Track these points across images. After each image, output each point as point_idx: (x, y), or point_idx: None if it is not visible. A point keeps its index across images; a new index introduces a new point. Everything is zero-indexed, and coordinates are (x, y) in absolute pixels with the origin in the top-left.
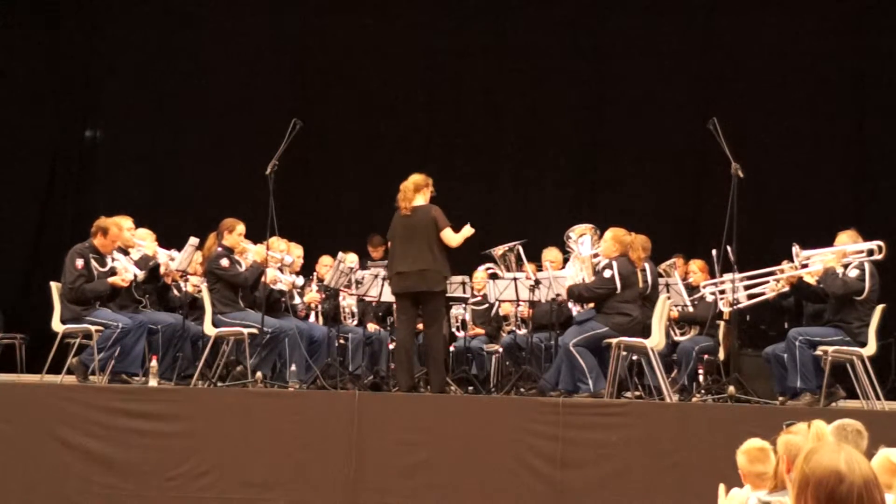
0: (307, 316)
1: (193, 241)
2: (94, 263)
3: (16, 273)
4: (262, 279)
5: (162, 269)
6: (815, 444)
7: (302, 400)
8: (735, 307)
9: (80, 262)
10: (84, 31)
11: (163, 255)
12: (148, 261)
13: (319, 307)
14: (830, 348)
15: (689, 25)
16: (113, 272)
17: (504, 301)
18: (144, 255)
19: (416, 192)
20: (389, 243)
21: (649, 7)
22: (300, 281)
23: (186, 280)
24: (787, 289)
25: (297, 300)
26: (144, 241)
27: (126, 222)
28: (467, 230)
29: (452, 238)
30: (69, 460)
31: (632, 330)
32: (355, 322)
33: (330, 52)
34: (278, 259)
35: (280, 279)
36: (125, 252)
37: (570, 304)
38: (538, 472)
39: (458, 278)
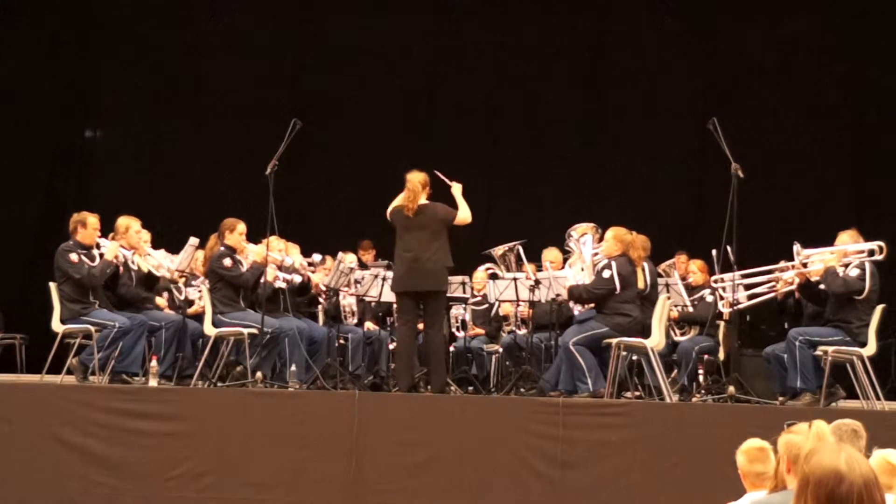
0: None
1: (193, 241)
2: (83, 258)
3: (16, 273)
4: (263, 279)
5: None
6: (815, 444)
7: (302, 400)
8: (735, 307)
9: (74, 257)
10: (83, 31)
11: (163, 260)
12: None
13: (320, 306)
14: (830, 348)
15: (690, 25)
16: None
17: (504, 301)
18: (156, 303)
19: (423, 189)
20: (389, 217)
21: (650, 7)
22: (297, 278)
23: (187, 280)
24: (792, 287)
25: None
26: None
27: (135, 224)
28: (457, 190)
29: (467, 214)
30: (69, 460)
31: (632, 330)
32: (355, 322)
33: (330, 52)
34: (279, 260)
35: (279, 276)
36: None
37: (571, 304)
38: (538, 472)
39: (458, 278)
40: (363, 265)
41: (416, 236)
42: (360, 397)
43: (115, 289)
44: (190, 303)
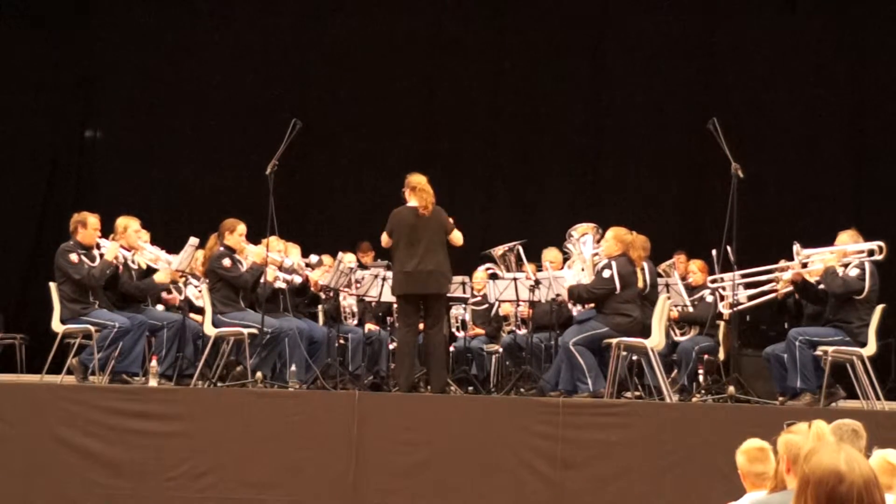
0: (309, 299)
1: (193, 241)
2: (83, 258)
3: (16, 273)
4: (263, 279)
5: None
6: (815, 444)
7: (302, 400)
8: (735, 308)
9: (74, 257)
10: (83, 30)
11: (163, 261)
12: (159, 287)
13: (321, 306)
14: (830, 348)
15: (690, 26)
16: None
17: (504, 301)
18: (155, 282)
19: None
20: (387, 238)
21: (650, 7)
22: (297, 279)
23: (187, 280)
24: (790, 288)
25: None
26: (151, 247)
27: (134, 223)
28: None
29: (458, 239)
30: (69, 460)
31: (632, 330)
32: (355, 322)
33: (330, 52)
34: (278, 261)
35: (279, 277)
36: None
37: (570, 305)
38: (538, 472)
39: (458, 278)
40: (362, 266)
41: (421, 237)
42: (360, 397)
43: (116, 288)
44: (192, 306)
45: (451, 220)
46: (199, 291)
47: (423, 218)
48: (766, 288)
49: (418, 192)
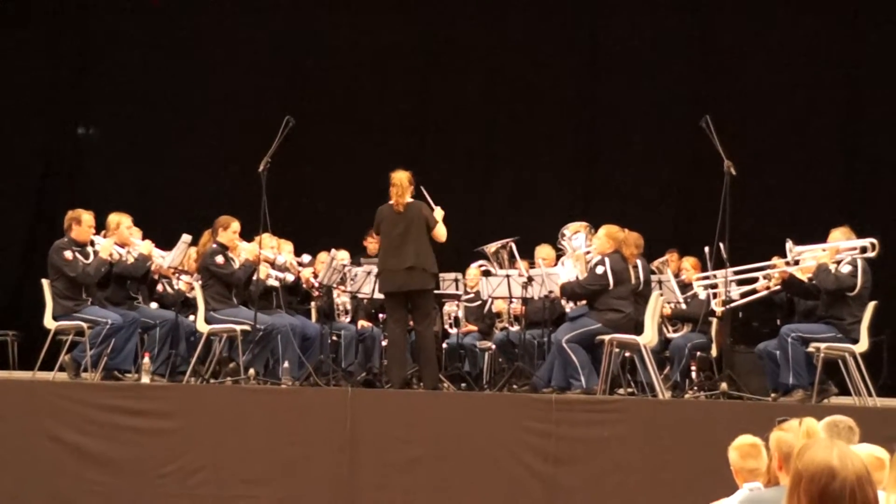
0: (306, 298)
1: (186, 237)
2: (77, 256)
3: (9, 270)
4: (256, 277)
5: (153, 267)
6: (805, 440)
7: (295, 397)
8: (728, 306)
9: (68, 254)
10: (78, 28)
11: (156, 257)
12: (146, 261)
13: (314, 303)
14: (823, 345)
15: (688, 24)
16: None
17: (497, 298)
18: (141, 255)
19: (409, 186)
20: (373, 237)
21: (647, 6)
22: (290, 277)
23: (179, 277)
24: (778, 286)
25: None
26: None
27: (126, 220)
28: (440, 214)
29: (443, 233)
30: (61, 457)
31: (624, 327)
32: (348, 319)
33: (325, 50)
34: (271, 259)
35: (272, 275)
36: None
37: (564, 301)
38: (531, 468)
39: (451, 275)
40: (364, 255)
41: (400, 234)
42: (353, 394)
43: (108, 286)
44: (185, 300)
45: (432, 217)
46: (192, 287)
47: (399, 214)
48: (757, 285)
49: (392, 187)
